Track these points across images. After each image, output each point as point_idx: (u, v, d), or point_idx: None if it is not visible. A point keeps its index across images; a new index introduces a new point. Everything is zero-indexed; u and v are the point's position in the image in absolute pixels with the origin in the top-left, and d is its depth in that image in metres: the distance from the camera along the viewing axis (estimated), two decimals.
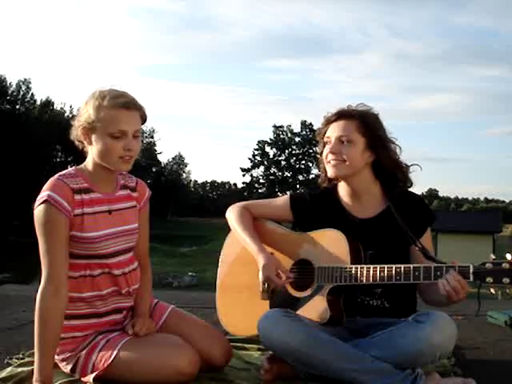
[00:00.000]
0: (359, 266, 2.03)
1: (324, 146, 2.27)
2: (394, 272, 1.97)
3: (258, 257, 2.19)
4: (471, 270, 1.89)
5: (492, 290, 1.91)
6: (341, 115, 2.21)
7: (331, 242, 2.14)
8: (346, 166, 2.16)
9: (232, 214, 2.39)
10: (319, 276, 2.12)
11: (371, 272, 2.00)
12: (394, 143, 2.22)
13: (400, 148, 2.22)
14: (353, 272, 2.03)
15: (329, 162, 2.21)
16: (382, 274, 1.99)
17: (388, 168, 2.21)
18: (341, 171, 2.18)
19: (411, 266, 1.97)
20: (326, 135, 2.23)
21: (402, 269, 1.96)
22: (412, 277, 1.95)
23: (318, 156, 2.36)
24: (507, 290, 1.89)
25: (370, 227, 2.19)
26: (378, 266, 2.00)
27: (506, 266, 1.86)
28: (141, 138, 2.03)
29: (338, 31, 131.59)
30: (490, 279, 1.87)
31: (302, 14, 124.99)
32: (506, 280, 1.85)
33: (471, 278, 1.89)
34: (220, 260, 2.48)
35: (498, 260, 1.89)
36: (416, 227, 2.16)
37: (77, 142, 2.05)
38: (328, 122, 2.24)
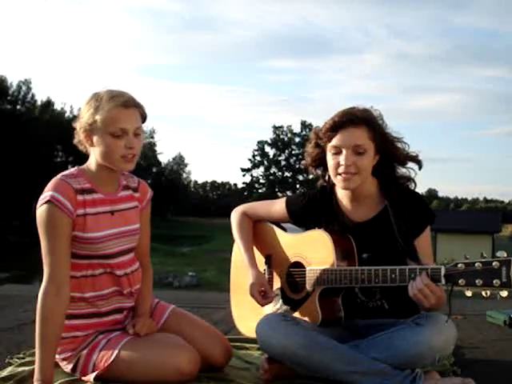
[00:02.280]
0: (343, 269, 2.02)
1: (319, 149, 2.20)
2: (373, 274, 1.94)
3: (247, 272, 2.26)
4: (442, 273, 1.82)
5: (468, 293, 1.80)
6: (350, 121, 2.08)
7: (317, 243, 2.13)
8: (357, 177, 2.09)
9: (233, 220, 2.44)
10: (310, 278, 2.13)
11: (353, 274, 1.99)
12: (399, 140, 2.17)
13: (407, 144, 2.18)
14: (337, 274, 2.03)
15: (339, 174, 2.09)
16: (362, 276, 1.96)
17: (402, 164, 2.18)
18: (353, 184, 2.10)
19: (388, 268, 1.92)
20: (334, 144, 2.09)
21: (380, 271, 1.93)
22: (389, 279, 1.91)
23: (307, 155, 2.26)
24: (482, 293, 1.76)
25: (367, 230, 2.17)
26: (360, 268, 1.99)
27: (479, 265, 1.76)
28: (142, 136, 2.04)
29: (338, 31, 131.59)
30: (462, 281, 1.77)
31: (302, 14, 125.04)
32: (478, 282, 1.75)
33: (443, 281, 1.81)
34: (231, 262, 2.54)
35: (471, 260, 1.79)
36: (414, 226, 2.13)
37: (80, 147, 2.05)
38: (336, 127, 2.09)
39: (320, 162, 2.26)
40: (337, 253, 2.06)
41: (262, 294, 2.19)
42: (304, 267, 2.18)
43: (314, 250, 2.15)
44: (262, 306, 2.18)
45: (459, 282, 1.78)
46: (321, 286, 2.08)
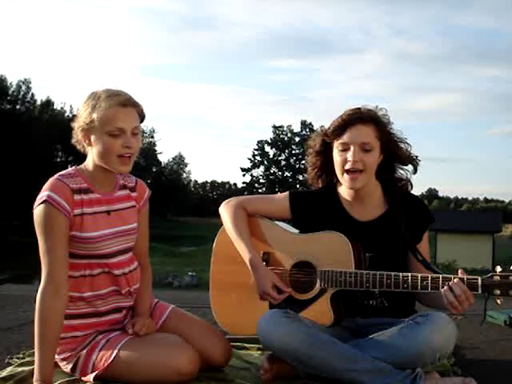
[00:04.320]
0: (365, 272, 2.03)
1: (322, 155, 2.22)
2: (401, 280, 1.98)
3: (252, 268, 2.17)
4: (480, 283, 1.91)
5: (498, 301, 1.93)
6: (359, 119, 2.12)
7: (335, 245, 2.12)
8: (363, 175, 2.11)
9: (226, 213, 2.31)
10: (322, 279, 2.11)
11: (378, 278, 2.00)
12: (402, 141, 2.19)
13: (410, 145, 2.20)
14: (358, 277, 2.03)
15: (346, 172, 2.12)
16: (388, 281, 1.99)
17: (403, 164, 2.21)
18: (360, 183, 2.12)
19: (419, 275, 1.97)
20: (342, 141, 2.12)
21: (410, 278, 1.97)
22: (420, 286, 1.96)
23: (310, 154, 2.27)
24: None
25: (370, 230, 2.18)
26: (385, 273, 2.00)
27: None
28: (141, 136, 2.03)
29: (339, 31, 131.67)
30: (497, 291, 1.90)
31: (303, 14, 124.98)
32: None
33: (480, 291, 1.91)
34: (212, 257, 2.39)
35: (506, 273, 1.91)
36: (416, 229, 2.17)
37: (78, 146, 2.05)
38: (346, 125, 2.12)
39: (323, 170, 2.27)
40: (355, 256, 2.07)
41: (276, 290, 2.13)
42: (312, 267, 2.16)
43: (328, 251, 2.13)
44: (277, 301, 2.13)
45: (494, 292, 1.91)
46: (336, 287, 2.08)
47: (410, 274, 1.98)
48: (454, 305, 1.91)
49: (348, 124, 2.13)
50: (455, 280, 1.91)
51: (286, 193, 2.35)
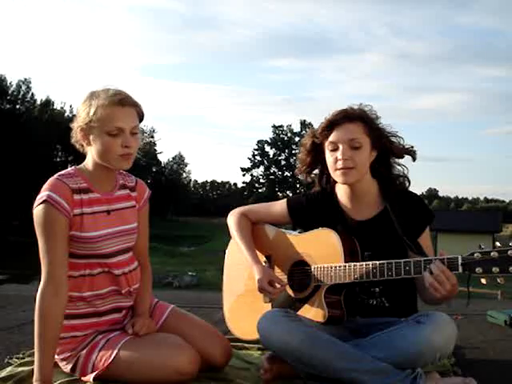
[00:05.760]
0: (352, 264, 2.03)
1: (313, 153, 2.24)
2: (385, 267, 1.96)
3: (252, 268, 2.22)
4: (460, 262, 1.86)
5: (483, 281, 1.86)
6: (345, 118, 2.15)
7: (324, 241, 2.14)
8: (355, 171, 2.13)
9: (231, 221, 2.42)
10: (316, 276, 2.13)
11: (364, 269, 2.00)
12: (393, 134, 2.20)
13: (402, 138, 2.21)
14: (346, 270, 2.03)
15: (337, 169, 2.14)
16: (374, 270, 1.98)
17: (399, 157, 2.21)
18: (351, 178, 2.14)
19: (402, 260, 1.95)
20: (331, 140, 2.15)
21: (393, 264, 1.95)
22: (403, 271, 1.93)
23: (302, 151, 2.29)
24: (498, 280, 1.83)
25: (368, 229, 2.18)
26: (371, 263, 1.99)
27: (494, 254, 1.81)
28: (140, 135, 2.04)
29: (340, 31, 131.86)
30: (479, 269, 1.82)
31: (304, 14, 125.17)
32: (495, 269, 1.80)
33: (460, 270, 1.86)
34: (225, 265, 2.51)
35: (487, 249, 1.84)
36: (414, 226, 2.16)
37: (78, 146, 2.05)
38: (332, 125, 2.16)
39: (314, 166, 2.31)
40: (344, 249, 2.08)
41: (271, 286, 2.16)
42: (308, 265, 2.17)
43: (320, 248, 2.15)
44: (274, 295, 2.16)
45: (476, 270, 1.83)
46: (328, 282, 2.08)
47: (393, 261, 1.95)
48: (433, 286, 1.85)
49: (334, 124, 2.15)
50: (436, 261, 1.88)
51: (284, 201, 2.40)
